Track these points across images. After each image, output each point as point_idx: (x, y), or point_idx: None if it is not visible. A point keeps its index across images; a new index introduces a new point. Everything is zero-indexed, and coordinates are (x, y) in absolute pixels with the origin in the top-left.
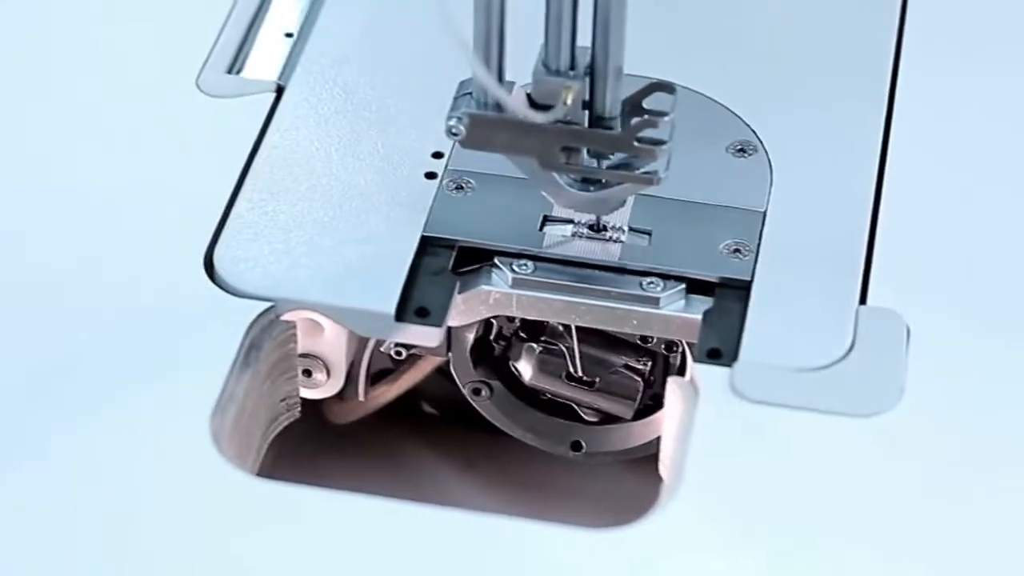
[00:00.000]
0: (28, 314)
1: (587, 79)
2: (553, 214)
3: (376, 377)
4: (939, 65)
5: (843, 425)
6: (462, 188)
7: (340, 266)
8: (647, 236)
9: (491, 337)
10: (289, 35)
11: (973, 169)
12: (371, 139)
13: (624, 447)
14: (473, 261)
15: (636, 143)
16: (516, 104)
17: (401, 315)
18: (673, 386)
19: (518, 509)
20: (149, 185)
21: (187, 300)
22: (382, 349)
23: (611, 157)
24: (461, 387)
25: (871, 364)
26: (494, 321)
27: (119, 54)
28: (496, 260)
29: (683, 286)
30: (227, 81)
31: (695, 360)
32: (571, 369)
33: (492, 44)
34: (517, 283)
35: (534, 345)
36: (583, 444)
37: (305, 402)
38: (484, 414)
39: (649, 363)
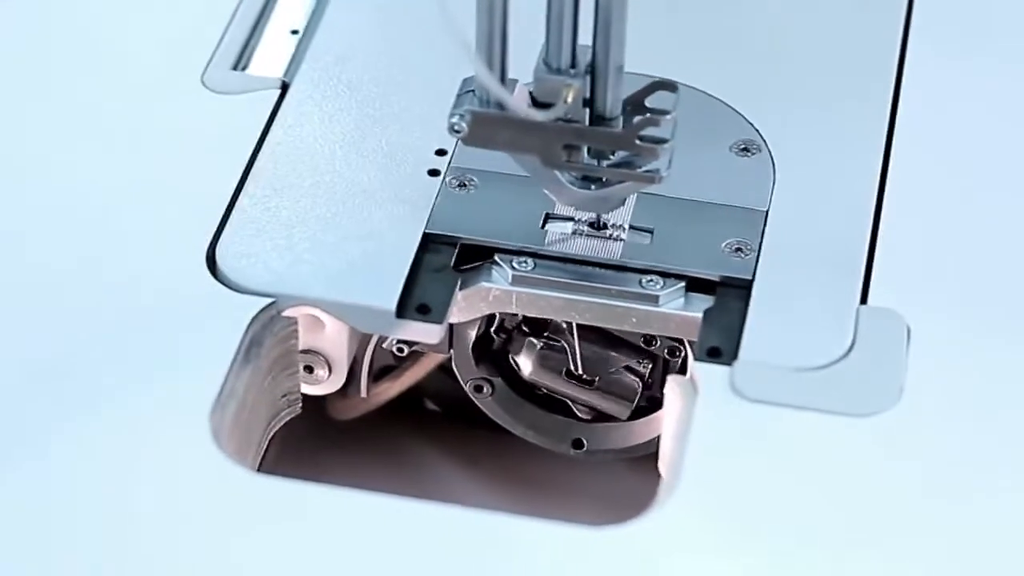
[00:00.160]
0: (28, 310)
1: (588, 78)
2: (555, 212)
3: (379, 374)
4: (943, 65)
5: (842, 425)
6: (465, 185)
7: (342, 262)
8: (648, 234)
9: (492, 329)
10: (295, 32)
11: (976, 170)
12: (375, 136)
13: (625, 445)
14: (475, 258)
15: (638, 141)
16: (517, 102)
17: (402, 312)
18: (673, 384)
19: (519, 506)
20: (152, 181)
21: (189, 296)
22: (384, 346)
23: (611, 156)
24: (463, 384)
25: (871, 364)
26: (497, 314)
27: (125, 50)
28: (496, 257)
29: (683, 284)
30: (232, 78)
31: (695, 359)
32: (571, 367)
33: (495, 43)
34: (517, 280)
35: (535, 340)
36: (584, 442)
37: (308, 398)
38: (486, 411)
39: (650, 366)
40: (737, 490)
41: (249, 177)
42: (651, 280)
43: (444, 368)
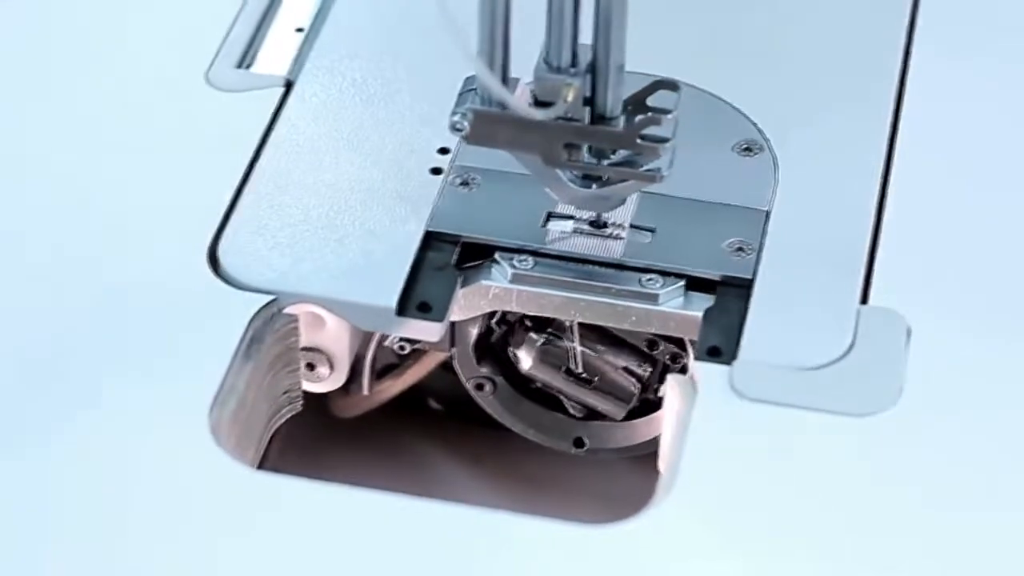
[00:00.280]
0: (28, 305)
1: (588, 77)
2: (558, 211)
3: (381, 372)
4: (946, 67)
5: (841, 424)
6: (468, 184)
7: (344, 260)
8: (649, 233)
9: (494, 320)
10: (300, 30)
11: (977, 171)
12: (379, 134)
13: (627, 444)
14: (477, 257)
15: (639, 140)
16: (518, 101)
17: (403, 310)
18: (672, 383)
19: (521, 504)
20: (155, 177)
21: (190, 293)
22: (386, 344)
23: (611, 155)
24: (464, 382)
25: (870, 364)
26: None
27: (130, 47)
28: (496, 255)
29: (682, 283)
30: (236, 75)
31: (696, 358)
32: (571, 365)
33: (496, 43)
34: (517, 278)
35: (536, 336)
36: (586, 441)
37: (310, 396)
38: (487, 409)
39: (649, 369)
40: (735, 489)
41: (252, 174)
42: (651, 279)
43: (446, 366)
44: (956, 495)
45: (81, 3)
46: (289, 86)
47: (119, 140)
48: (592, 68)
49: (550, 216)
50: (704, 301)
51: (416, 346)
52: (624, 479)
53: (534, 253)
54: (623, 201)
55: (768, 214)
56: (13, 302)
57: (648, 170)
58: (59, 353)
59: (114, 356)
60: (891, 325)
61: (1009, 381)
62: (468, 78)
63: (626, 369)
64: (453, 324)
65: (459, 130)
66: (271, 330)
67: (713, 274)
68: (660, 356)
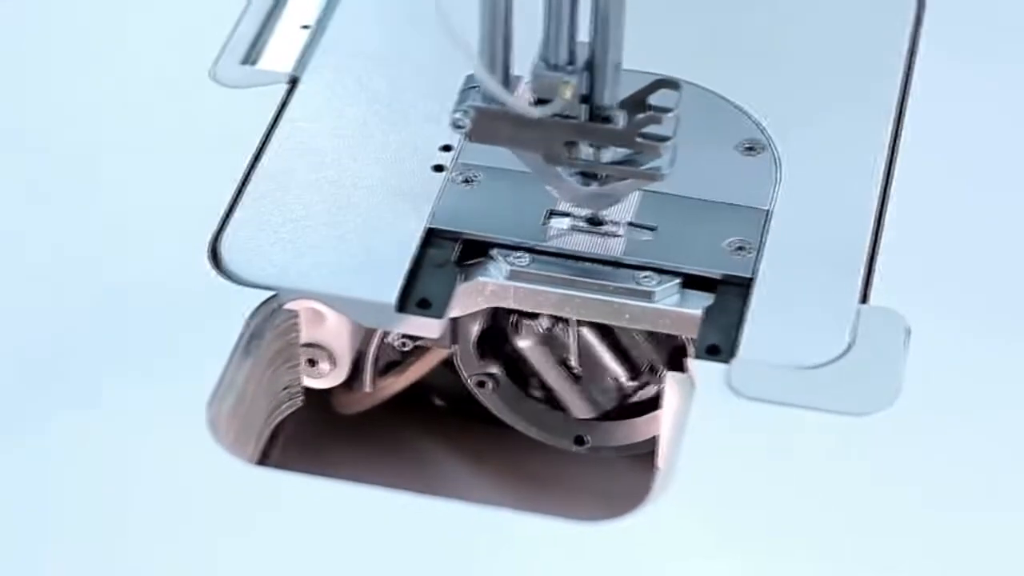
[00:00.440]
0: (28, 300)
1: (586, 74)
2: (558, 208)
3: (384, 369)
4: (949, 68)
5: (839, 423)
6: (470, 181)
7: (345, 256)
8: (648, 231)
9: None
10: (305, 27)
11: (978, 172)
12: (382, 131)
13: (627, 442)
14: (478, 254)
15: (639, 139)
16: (516, 99)
17: (403, 306)
18: (671, 381)
19: (522, 502)
20: (158, 172)
21: (191, 288)
22: (387, 340)
23: (613, 152)
24: (466, 380)
25: (869, 363)
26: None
27: (136, 43)
28: (492, 252)
29: (678, 281)
30: (241, 72)
31: (695, 356)
32: (569, 360)
33: (497, 41)
34: (513, 275)
35: (539, 325)
36: (587, 438)
37: (313, 392)
38: (488, 407)
39: (633, 385)
40: (733, 487)
41: (255, 171)
42: (647, 276)
43: (448, 363)
44: (954, 495)
45: None
46: (294, 83)
47: (123, 136)
48: (590, 65)
49: (552, 214)
50: (704, 300)
51: (418, 343)
52: (625, 477)
53: (531, 250)
54: (619, 200)
55: (769, 213)
56: (11, 298)
57: (649, 168)
58: (61, 347)
59: (114, 353)
60: (890, 325)
61: (1008, 381)
62: (469, 75)
63: (615, 380)
64: (454, 321)
65: (460, 127)
66: (271, 326)
67: (713, 273)
68: (655, 381)
